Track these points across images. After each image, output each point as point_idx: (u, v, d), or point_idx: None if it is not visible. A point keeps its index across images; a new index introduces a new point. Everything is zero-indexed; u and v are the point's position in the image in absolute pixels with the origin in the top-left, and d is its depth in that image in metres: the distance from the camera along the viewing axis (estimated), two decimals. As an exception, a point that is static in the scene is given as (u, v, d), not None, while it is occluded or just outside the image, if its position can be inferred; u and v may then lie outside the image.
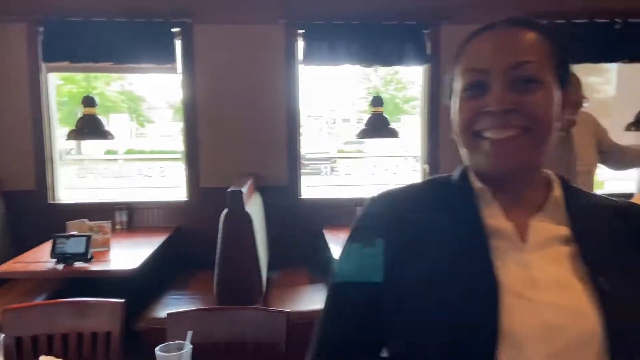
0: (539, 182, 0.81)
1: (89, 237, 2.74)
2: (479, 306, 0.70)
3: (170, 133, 9.51)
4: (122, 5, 3.40)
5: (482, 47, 0.76)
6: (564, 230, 0.77)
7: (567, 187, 0.82)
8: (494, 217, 0.78)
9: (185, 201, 3.64)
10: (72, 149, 9.42)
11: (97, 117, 3.06)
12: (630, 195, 2.75)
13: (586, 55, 3.55)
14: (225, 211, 2.73)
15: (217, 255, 2.75)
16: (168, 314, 1.67)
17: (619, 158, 2.72)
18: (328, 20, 3.47)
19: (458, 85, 0.77)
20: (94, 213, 3.24)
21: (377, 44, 3.47)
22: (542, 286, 0.72)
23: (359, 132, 3.20)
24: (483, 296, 0.70)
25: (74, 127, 3.13)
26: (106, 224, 2.95)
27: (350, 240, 0.84)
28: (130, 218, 3.56)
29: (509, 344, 0.69)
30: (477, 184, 0.80)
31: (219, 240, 2.75)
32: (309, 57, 3.49)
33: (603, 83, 4.41)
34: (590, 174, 2.57)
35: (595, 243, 0.75)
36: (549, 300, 0.71)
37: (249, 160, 3.61)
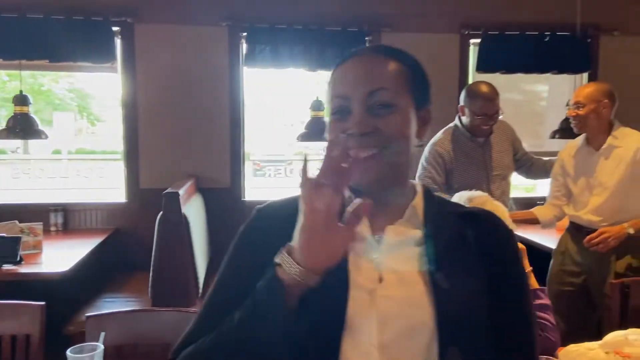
0: (405, 192, 0.89)
1: (18, 239, 2.67)
2: (331, 301, 0.77)
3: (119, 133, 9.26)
4: (61, 3, 3.34)
5: (345, 76, 0.84)
6: (417, 234, 0.85)
7: (428, 196, 0.91)
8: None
9: (124, 202, 3.59)
10: (18, 148, 9.08)
11: (30, 116, 2.98)
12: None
13: (518, 66, 3.73)
14: (160, 213, 2.72)
15: (153, 258, 2.74)
16: (87, 317, 1.66)
17: (528, 168, 2.87)
18: (272, 24, 3.51)
19: (330, 108, 0.85)
20: (27, 215, 3.16)
21: (320, 49, 3.53)
22: (387, 282, 0.81)
23: (299, 136, 3.24)
24: (335, 292, 0.77)
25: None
26: (37, 226, 2.88)
27: (231, 251, 0.89)
28: (66, 220, 3.49)
29: (350, 333, 0.77)
30: (345, 193, 0.86)
31: (155, 243, 2.74)
32: (251, 59, 3.51)
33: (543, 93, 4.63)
34: (506, 178, 2.69)
35: (441, 244, 0.83)
36: (389, 294, 0.80)
37: (191, 162, 3.60)
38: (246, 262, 0.85)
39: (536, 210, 2.66)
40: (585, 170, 2.52)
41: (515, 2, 3.76)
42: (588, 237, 2.40)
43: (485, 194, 1.83)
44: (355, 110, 0.81)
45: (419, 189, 0.91)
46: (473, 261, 0.84)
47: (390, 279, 0.81)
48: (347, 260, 0.80)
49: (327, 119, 0.88)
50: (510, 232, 0.92)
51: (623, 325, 1.82)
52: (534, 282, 1.75)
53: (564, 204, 2.62)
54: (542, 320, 1.66)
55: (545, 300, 1.71)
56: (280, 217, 0.84)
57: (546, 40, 3.72)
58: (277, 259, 0.74)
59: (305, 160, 0.72)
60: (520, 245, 1.77)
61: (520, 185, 4.42)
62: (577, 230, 2.57)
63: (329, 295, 0.76)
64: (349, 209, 0.72)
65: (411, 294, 0.80)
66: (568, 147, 2.65)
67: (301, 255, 0.72)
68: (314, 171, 0.71)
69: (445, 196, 2.40)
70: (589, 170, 2.50)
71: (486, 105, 2.47)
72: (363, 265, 0.82)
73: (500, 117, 2.56)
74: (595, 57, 3.85)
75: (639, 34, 3.88)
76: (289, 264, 0.72)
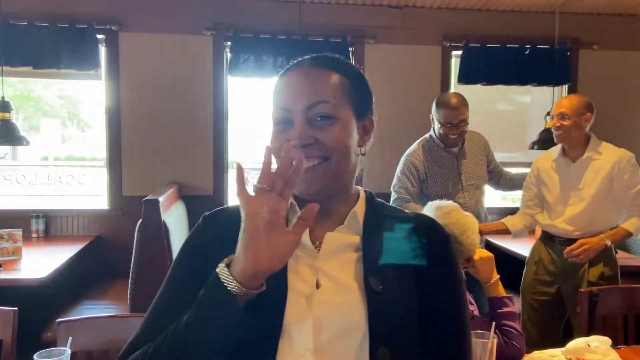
0: (348, 200, 0.92)
1: (-4, 245, 2.67)
2: (269, 306, 0.79)
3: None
4: (46, 10, 3.36)
5: (286, 89, 0.86)
6: (356, 239, 0.88)
7: (370, 202, 0.93)
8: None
9: (107, 210, 3.59)
10: (6, 154, 9.03)
11: (12, 122, 2.99)
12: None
13: (498, 78, 3.79)
14: (140, 220, 2.73)
15: (132, 264, 2.74)
16: (58, 322, 1.67)
17: (497, 180, 2.90)
18: (256, 34, 3.54)
19: (272, 119, 0.88)
20: (8, 221, 3.16)
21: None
22: (324, 288, 0.84)
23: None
24: (274, 299, 0.80)
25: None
26: (17, 232, 2.88)
27: (178, 257, 0.91)
28: (48, 226, 3.48)
29: (288, 338, 0.80)
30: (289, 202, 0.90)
31: (134, 249, 2.74)
32: (235, 68, 3.55)
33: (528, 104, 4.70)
34: (480, 188, 2.72)
35: (378, 249, 0.86)
36: (325, 299, 0.82)
37: (174, 169, 3.61)
38: (192, 268, 0.86)
39: (507, 221, 2.68)
40: (562, 181, 2.55)
41: (496, 15, 3.83)
42: (568, 248, 2.42)
43: (454, 204, 1.86)
44: (296, 122, 0.83)
45: (362, 194, 0.94)
46: (407, 265, 0.86)
47: (327, 284, 0.84)
48: (286, 266, 0.81)
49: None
50: (447, 237, 0.94)
51: (591, 333, 1.84)
52: (501, 290, 1.78)
53: (536, 213, 2.66)
54: (508, 328, 1.68)
55: (512, 308, 1.74)
56: (226, 223, 0.85)
57: (526, 52, 3.78)
58: (217, 270, 0.75)
59: (240, 169, 0.73)
60: (488, 253, 1.82)
61: (496, 194, 4.47)
62: (550, 240, 2.61)
63: (267, 301, 0.77)
64: (299, 215, 0.74)
65: (346, 298, 0.82)
66: (543, 158, 2.69)
67: (244, 260, 0.73)
68: (253, 178, 0.73)
69: (417, 207, 2.45)
70: (565, 181, 2.54)
71: (450, 114, 2.51)
72: (302, 271, 0.85)
73: (469, 127, 2.60)
74: (575, 70, 3.92)
75: (617, 48, 3.95)
76: (226, 278, 0.74)
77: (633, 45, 3.97)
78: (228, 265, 0.75)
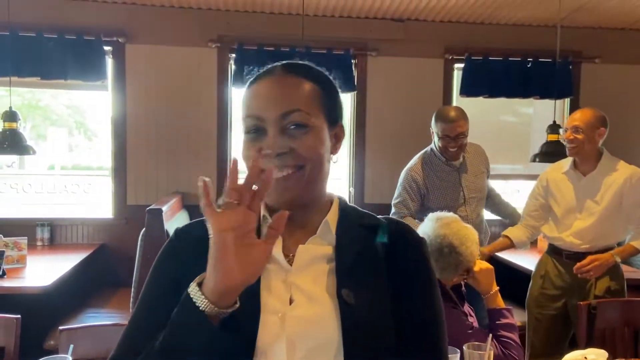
0: (322, 208, 0.90)
1: (1, 253, 2.70)
2: (241, 326, 0.76)
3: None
4: (54, 22, 3.42)
5: (258, 96, 0.84)
6: (329, 250, 0.86)
7: (343, 210, 0.91)
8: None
9: (111, 218, 3.63)
10: (13, 163, 9.13)
11: (19, 132, 3.03)
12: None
13: (500, 91, 3.81)
14: (143, 229, 2.76)
15: (135, 273, 2.77)
16: (60, 330, 1.70)
17: (487, 198, 2.84)
18: (260, 46, 3.59)
19: (243, 127, 0.85)
20: (14, 229, 3.19)
21: (307, 70, 3.61)
22: (297, 303, 0.82)
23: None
24: (247, 319, 0.78)
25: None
26: (22, 240, 2.91)
27: (151, 273, 0.88)
28: (53, 235, 3.52)
29: (262, 358, 0.79)
30: (261, 213, 0.86)
31: (137, 258, 2.77)
32: (239, 80, 3.59)
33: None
34: (481, 200, 2.71)
35: (350, 259, 0.84)
36: (298, 315, 0.81)
37: (178, 179, 3.65)
38: (165, 284, 0.84)
39: (509, 232, 2.66)
40: (571, 194, 2.53)
41: (497, 28, 3.87)
42: (579, 264, 2.39)
43: (454, 215, 1.87)
44: (269, 131, 0.81)
45: (335, 201, 0.92)
46: (381, 273, 0.85)
47: (301, 299, 0.82)
48: (259, 284, 0.81)
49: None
50: (421, 242, 0.92)
51: (590, 346, 1.85)
52: (500, 302, 1.79)
53: (538, 224, 2.64)
54: (506, 339, 1.69)
55: (511, 320, 1.75)
56: (198, 237, 0.82)
57: (528, 65, 3.81)
58: (188, 289, 0.73)
59: (205, 183, 0.69)
60: (487, 264, 1.83)
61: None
62: (557, 254, 2.59)
63: (240, 322, 0.75)
64: (269, 224, 0.72)
65: (319, 312, 0.81)
66: (552, 169, 2.66)
67: (214, 278, 0.70)
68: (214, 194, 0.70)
69: (414, 223, 2.47)
70: (574, 194, 2.52)
71: (448, 127, 2.51)
72: (275, 287, 0.83)
73: (470, 139, 2.60)
74: (577, 83, 3.94)
75: (619, 62, 3.98)
76: (198, 297, 0.71)
77: (635, 59, 3.99)
78: (200, 284, 0.73)
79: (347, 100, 3.92)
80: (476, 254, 1.79)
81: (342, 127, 0.91)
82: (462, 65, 3.83)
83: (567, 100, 3.99)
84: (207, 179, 0.70)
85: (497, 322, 1.74)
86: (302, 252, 0.85)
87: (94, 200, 6.34)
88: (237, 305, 0.74)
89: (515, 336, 1.73)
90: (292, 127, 0.82)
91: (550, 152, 3.26)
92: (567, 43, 3.59)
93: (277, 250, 0.84)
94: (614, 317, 2.08)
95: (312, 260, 0.85)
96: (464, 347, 1.48)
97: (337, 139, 0.90)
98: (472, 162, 2.69)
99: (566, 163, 2.59)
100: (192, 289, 0.73)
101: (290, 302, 0.82)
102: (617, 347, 2.03)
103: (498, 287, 1.82)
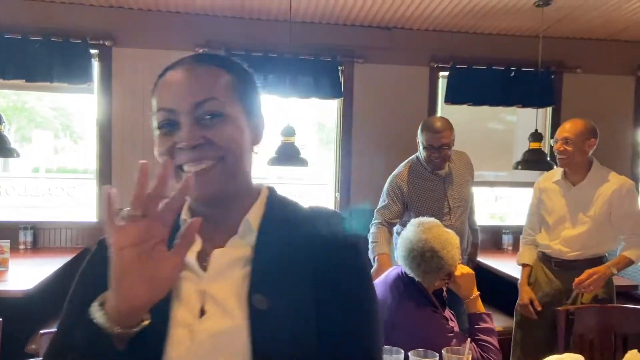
0: (247, 203, 0.82)
1: (-17, 256, 2.68)
2: (149, 343, 0.71)
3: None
4: (39, 24, 3.41)
5: (169, 88, 0.78)
6: (248, 252, 0.78)
7: (271, 203, 0.84)
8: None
9: (95, 222, 3.61)
10: (-2, 166, 9.02)
11: (3, 135, 3.01)
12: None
13: (484, 99, 3.87)
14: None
15: (118, 277, 2.75)
16: (41, 334, 1.69)
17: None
18: (247, 51, 3.61)
19: (155, 121, 0.80)
20: (-4, 232, 3.16)
21: (294, 76, 3.64)
22: (208, 315, 0.75)
23: (270, 160, 3.31)
24: (154, 332, 0.71)
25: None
26: (4, 244, 2.89)
27: (75, 283, 0.84)
28: (36, 238, 3.49)
29: None
30: (183, 216, 0.82)
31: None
32: (226, 85, 3.60)
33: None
34: (466, 209, 2.74)
35: (269, 260, 0.77)
36: (209, 328, 0.74)
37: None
38: (86, 294, 0.77)
39: (526, 260, 2.67)
40: (562, 203, 2.56)
41: (482, 38, 3.93)
42: (578, 280, 2.39)
43: (436, 220, 1.90)
44: (183, 122, 0.76)
45: (263, 194, 0.85)
46: (305, 273, 0.77)
47: (213, 310, 0.75)
48: (170, 295, 0.75)
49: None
50: (353, 235, 0.83)
51: (568, 351, 1.88)
52: (480, 307, 1.82)
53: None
54: (484, 343, 1.73)
55: (490, 324, 1.78)
56: None
57: (511, 75, 3.87)
58: (90, 309, 0.68)
59: (107, 194, 0.64)
60: (469, 269, 1.86)
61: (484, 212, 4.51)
62: (547, 261, 2.62)
63: (147, 337, 0.70)
64: (179, 233, 0.66)
65: (231, 323, 0.74)
66: (544, 179, 2.69)
67: (116, 297, 0.65)
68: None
69: (385, 235, 2.50)
70: (565, 204, 2.55)
71: (432, 137, 2.53)
72: (187, 297, 0.76)
73: (453, 150, 2.61)
74: (559, 92, 4.02)
75: (599, 72, 4.06)
76: (99, 318, 0.67)
77: (615, 69, 4.08)
78: (103, 304, 0.68)
79: (333, 106, 3.96)
80: (457, 258, 1.82)
81: (262, 118, 0.86)
82: (447, 73, 3.88)
83: (549, 109, 4.06)
84: (113, 190, 0.64)
85: (476, 326, 1.77)
86: (218, 256, 0.78)
87: (78, 203, 6.29)
88: (146, 322, 0.68)
89: (494, 340, 1.76)
90: (208, 117, 0.76)
91: (532, 160, 3.32)
92: (549, 53, 3.67)
93: (191, 256, 0.78)
94: (592, 323, 2.12)
95: (228, 264, 0.78)
96: (442, 351, 1.51)
97: (258, 130, 0.84)
98: (457, 171, 2.71)
99: (557, 172, 2.62)
100: (94, 309, 0.68)
101: (203, 313, 0.75)
102: (595, 352, 2.07)
103: (478, 293, 1.86)
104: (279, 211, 0.83)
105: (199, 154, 0.75)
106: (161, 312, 0.73)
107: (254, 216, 0.81)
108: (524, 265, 2.68)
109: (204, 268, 0.78)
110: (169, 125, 0.78)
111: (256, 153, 0.85)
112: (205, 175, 0.76)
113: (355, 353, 0.78)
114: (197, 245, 0.79)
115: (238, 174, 0.80)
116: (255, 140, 0.84)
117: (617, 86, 4.12)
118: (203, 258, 0.79)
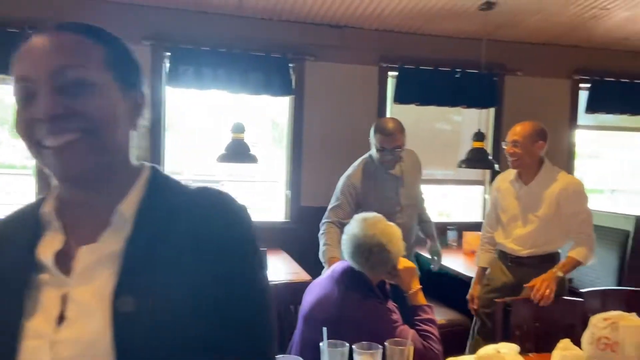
0: (123, 187, 0.74)
1: None
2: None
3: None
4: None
5: (26, 56, 0.70)
6: (120, 246, 0.70)
7: (153, 185, 0.75)
8: (49, 247, 0.71)
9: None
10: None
11: None
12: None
13: (431, 99, 3.97)
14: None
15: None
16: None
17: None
18: (196, 46, 3.55)
19: (14, 96, 0.71)
20: None
21: (244, 72, 3.61)
22: (68, 322, 0.67)
23: (219, 157, 3.26)
24: (3, 344, 0.65)
25: None
26: None
27: None
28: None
29: None
30: (45, 207, 0.74)
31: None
32: (174, 79, 3.53)
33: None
34: (416, 206, 2.81)
35: (145, 252, 0.69)
36: (68, 337, 0.66)
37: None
38: None
39: (483, 263, 2.77)
40: (514, 202, 2.64)
41: (429, 39, 4.03)
42: (534, 291, 2.35)
43: (379, 215, 1.94)
44: (40, 92, 0.68)
45: (143, 178, 0.76)
46: (183, 265, 0.68)
47: (73, 316, 0.67)
48: (22, 302, 0.67)
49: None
50: (240, 208, 0.75)
51: (504, 341, 1.96)
52: (421, 299, 1.88)
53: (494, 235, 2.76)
54: (425, 333, 1.78)
55: (431, 315, 1.85)
56: (7, 233, 0.75)
57: (457, 76, 3.99)
58: None
59: None
60: (410, 263, 1.91)
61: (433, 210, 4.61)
62: (503, 257, 2.70)
63: None
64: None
65: (92, 330, 0.65)
66: (501, 179, 2.76)
67: None
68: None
69: (335, 232, 2.52)
70: (516, 203, 2.63)
71: (385, 139, 2.56)
72: (46, 304, 0.68)
73: (404, 150, 2.64)
74: (501, 94, 4.18)
75: (539, 75, 4.25)
76: None
77: (554, 72, 4.28)
78: None
79: (284, 104, 3.95)
80: (402, 250, 1.87)
81: (142, 96, 0.77)
82: (396, 73, 3.95)
83: (492, 110, 4.21)
84: None
85: (417, 317, 1.83)
86: (84, 254, 0.69)
87: (14, 200, 6.00)
88: None
89: (434, 330, 1.82)
90: (72, 84, 0.68)
91: (475, 159, 3.43)
92: (492, 56, 3.81)
93: (48, 257, 0.70)
94: (527, 315, 2.23)
95: (97, 263, 0.69)
96: (385, 343, 1.54)
97: (138, 106, 0.76)
98: (408, 171, 2.77)
99: (512, 173, 2.69)
100: None
101: (61, 321, 0.67)
102: (530, 342, 2.17)
103: (420, 286, 1.91)
104: (160, 195, 0.74)
105: (59, 126, 0.67)
106: (9, 324, 0.66)
107: (129, 204, 0.72)
108: (481, 268, 2.79)
109: (68, 269, 0.69)
110: (27, 97, 0.69)
111: (136, 132, 0.77)
112: (69, 150, 0.67)
113: (243, 344, 0.70)
114: (57, 243, 0.71)
115: (110, 150, 0.71)
116: (134, 118, 0.76)
117: (555, 89, 4.32)
118: (67, 257, 0.70)
